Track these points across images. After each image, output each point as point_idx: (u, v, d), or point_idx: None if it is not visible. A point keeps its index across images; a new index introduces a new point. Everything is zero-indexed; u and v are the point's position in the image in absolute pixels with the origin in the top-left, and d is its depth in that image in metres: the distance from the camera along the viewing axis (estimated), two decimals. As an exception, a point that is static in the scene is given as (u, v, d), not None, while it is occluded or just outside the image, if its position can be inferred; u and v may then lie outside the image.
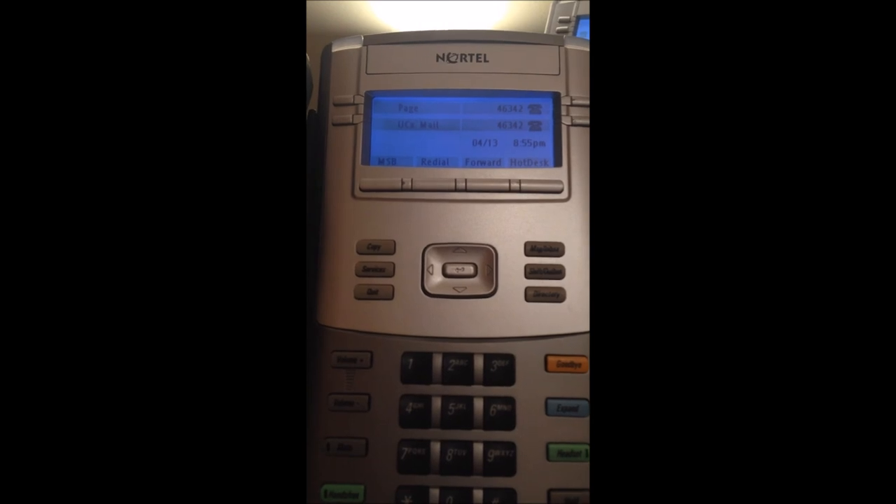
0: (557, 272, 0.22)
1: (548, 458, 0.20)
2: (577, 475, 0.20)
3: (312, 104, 0.28)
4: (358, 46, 0.26)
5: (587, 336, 0.22)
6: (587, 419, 0.21)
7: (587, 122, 0.24)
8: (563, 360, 0.21)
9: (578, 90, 0.25)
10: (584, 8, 0.46)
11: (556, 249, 0.23)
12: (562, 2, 0.48)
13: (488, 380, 0.21)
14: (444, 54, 0.25)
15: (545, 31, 0.48)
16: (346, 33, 0.27)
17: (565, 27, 0.47)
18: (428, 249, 0.23)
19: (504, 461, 0.20)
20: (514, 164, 0.24)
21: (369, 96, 0.25)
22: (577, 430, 0.21)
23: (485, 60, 0.25)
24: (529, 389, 0.21)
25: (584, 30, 0.47)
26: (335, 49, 0.26)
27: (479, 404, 0.21)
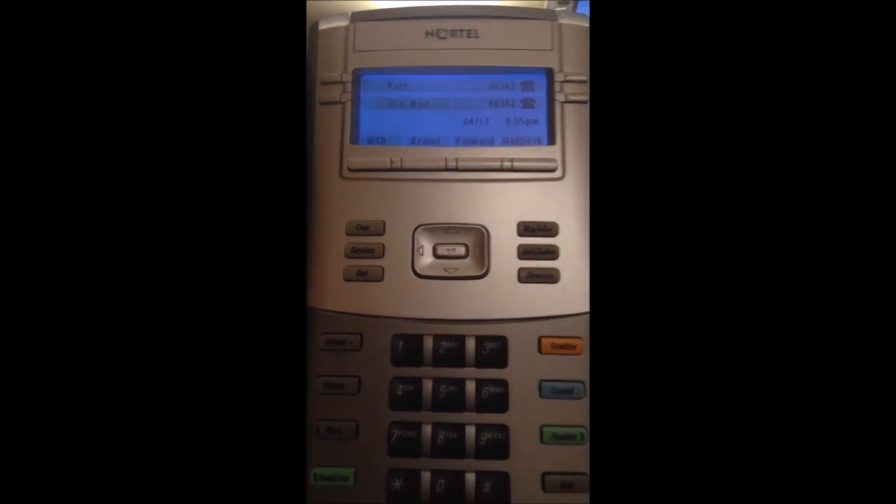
0: (551, 252, 0.22)
1: (542, 441, 0.20)
2: (573, 458, 0.20)
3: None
4: (345, 24, 0.25)
5: (582, 317, 0.21)
6: (582, 401, 0.20)
7: (582, 98, 0.24)
8: (558, 341, 0.21)
9: (573, 66, 0.24)
10: (580, -12, 0.45)
11: (549, 229, 0.22)
12: (557, -18, 0.47)
13: (480, 362, 0.21)
14: (433, 30, 0.25)
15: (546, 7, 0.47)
16: (334, 9, 0.27)
17: (564, 7, 0.46)
18: (418, 230, 0.22)
19: (497, 444, 0.20)
20: (507, 142, 0.24)
21: (357, 74, 0.24)
22: (573, 412, 0.20)
23: (476, 36, 0.25)
24: (523, 371, 0.21)
25: (584, 7, 0.46)
26: (322, 27, 0.25)
27: (470, 386, 0.21)
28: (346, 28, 0.25)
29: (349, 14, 0.25)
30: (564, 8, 0.44)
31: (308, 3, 0.24)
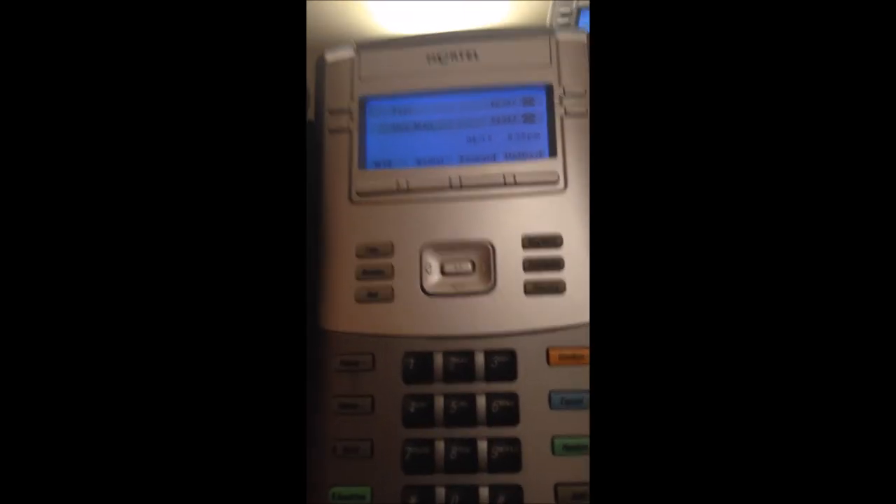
0: (557, 264, 0.22)
1: (553, 453, 0.20)
2: (585, 469, 0.20)
3: (309, 113, 0.28)
4: (350, 54, 0.26)
5: (589, 327, 0.21)
6: (592, 411, 0.20)
7: (581, 111, 0.24)
8: (566, 352, 0.21)
9: (571, 80, 0.24)
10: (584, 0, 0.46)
11: (554, 241, 0.22)
12: (563, -4, 0.48)
13: (490, 376, 0.21)
14: (434, 55, 0.25)
15: (547, 24, 0.48)
16: (342, 39, 0.28)
17: (566, 21, 0.47)
18: (425, 249, 0.23)
19: (509, 457, 0.20)
20: (509, 157, 0.24)
21: (363, 101, 0.25)
22: (583, 422, 0.20)
23: (475, 57, 0.25)
24: (532, 384, 0.21)
25: (586, 21, 0.46)
26: (328, 58, 0.26)
27: (481, 401, 0.21)
28: (352, 58, 0.26)
29: (354, 44, 0.26)
30: (566, 20, 0.45)
31: (311, 30, 0.25)
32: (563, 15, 0.45)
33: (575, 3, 0.46)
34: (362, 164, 0.24)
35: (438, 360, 0.21)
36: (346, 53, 0.26)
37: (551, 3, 0.48)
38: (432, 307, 0.22)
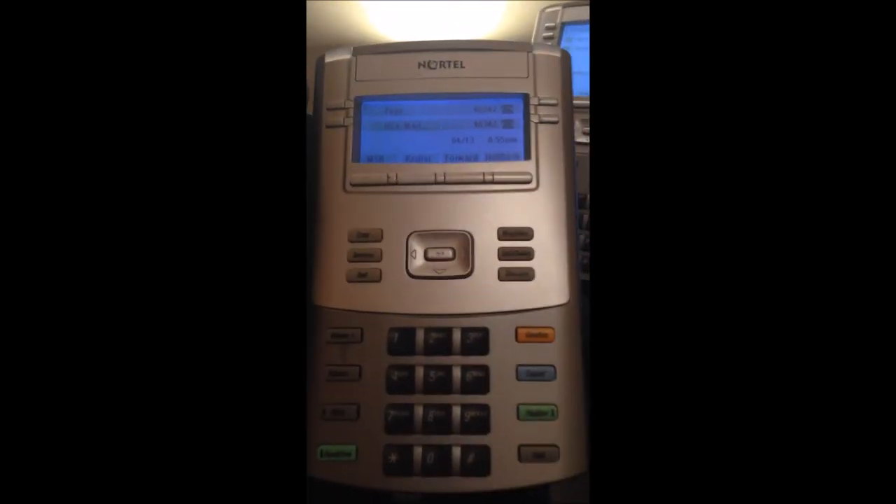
0: (527, 254, 0.25)
1: (518, 418, 0.23)
2: (545, 432, 0.23)
3: (308, 109, 0.31)
4: (348, 57, 0.28)
5: (554, 309, 0.24)
6: (553, 383, 0.23)
7: (553, 119, 0.27)
8: (532, 331, 0.24)
9: (545, 91, 0.27)
10: (569, 15, 0.50)
11: (525, 233, 0.25)
12: (548, 10, 0.51)
13: (465, 350, 0.24)
14: (425, 62, 0.28)
15: (533, 37, 0.51)
16: (341, 41, 0.30)
17: (551, 33, 0.50)
18: (411, 236, 0.25)
19: (479, 421, 0.23)
20: (489, 158, 0.27)
21: (358, 101, 0.28)
22: (545, 392, 0.23)
23: (461, 66, 0.28)
24: (502, 358, 0.24)
25: (569, 35, 0.50)
26: (328, 60, 0.29)
27: (456, 372, 0.24)
28: (349, 61, 0.28)
29: (352, 48, 0.29)
30: (551, 32, 0.48)
31: (313, 31, 0.28)
32: (549, 28, 0.49)
33: (559, 18, 0.49)
34: (356, 157, 0.27)
35: (420, 335, 0.24)
36: (343, 55, 0.29)
37: (537, 16, 0.51)
38: (416, 288, 0.25)
